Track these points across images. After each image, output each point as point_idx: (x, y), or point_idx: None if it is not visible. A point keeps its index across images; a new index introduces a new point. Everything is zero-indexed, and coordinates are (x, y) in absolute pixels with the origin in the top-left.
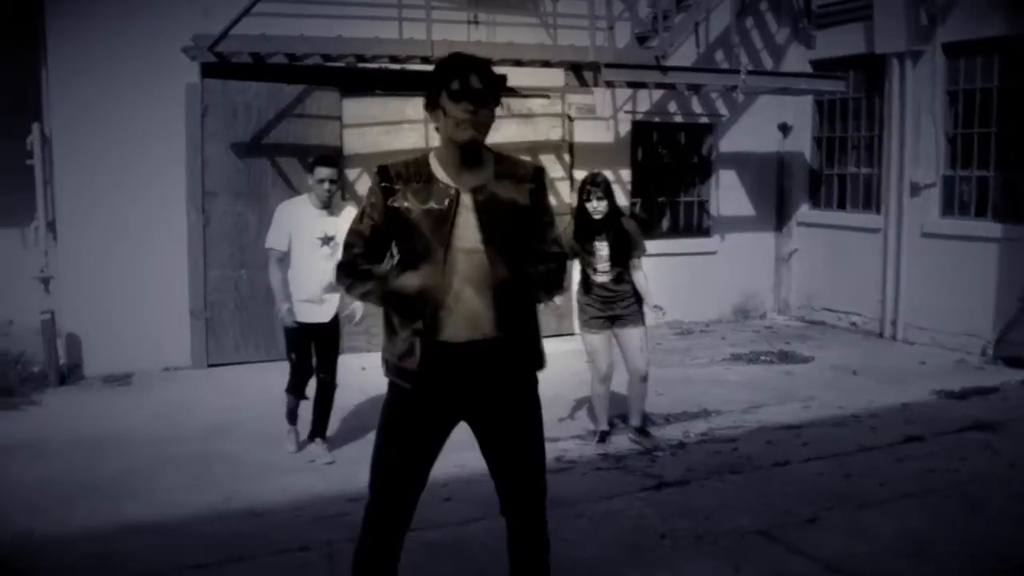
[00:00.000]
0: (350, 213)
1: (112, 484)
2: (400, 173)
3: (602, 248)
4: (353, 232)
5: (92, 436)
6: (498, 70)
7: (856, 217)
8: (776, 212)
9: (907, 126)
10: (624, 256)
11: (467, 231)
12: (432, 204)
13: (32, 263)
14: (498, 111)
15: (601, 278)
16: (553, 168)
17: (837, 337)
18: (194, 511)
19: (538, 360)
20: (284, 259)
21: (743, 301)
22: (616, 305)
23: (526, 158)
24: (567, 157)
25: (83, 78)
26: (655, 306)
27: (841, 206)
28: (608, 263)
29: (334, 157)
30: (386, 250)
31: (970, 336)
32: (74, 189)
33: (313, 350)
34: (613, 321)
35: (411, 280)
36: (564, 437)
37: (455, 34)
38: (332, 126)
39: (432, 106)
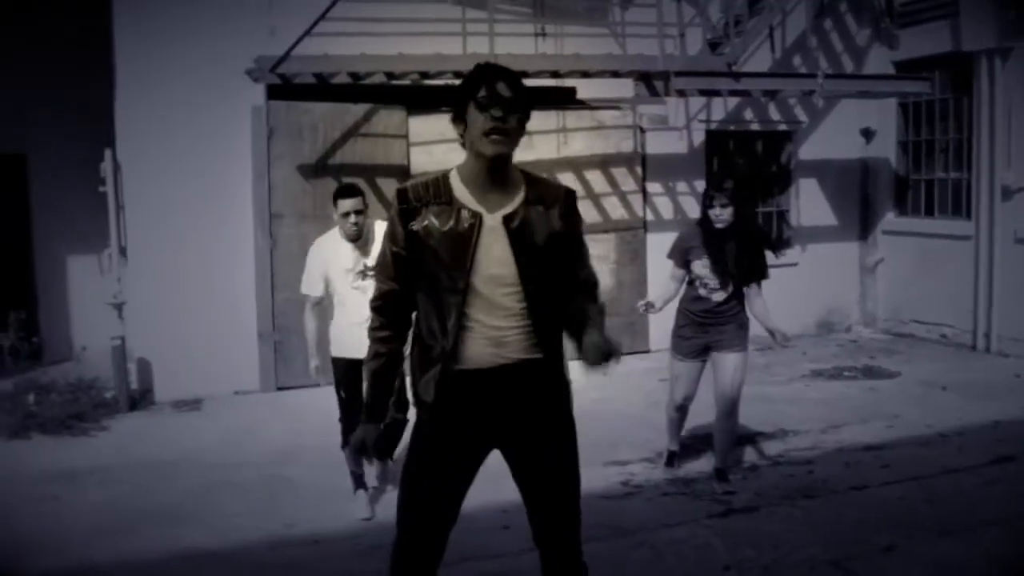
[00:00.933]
0: (382, 227)
1: (174, 509)
2: (419, 194)
3: (727, 263)
4: (379, 267)
5: (157, 461)
6: (566, 83)
7: (945, 224)
8: (860, 221)
9: (997, 127)
10: (746, 275)
11: (493, 256)
12: (452, 225)
13: (106, 289)
14: (569, 122)
15: (714, 296)
16: (625, 181)
17: (926, 350)
18: (254, 538)
19: (567, 389)
20: (320, 304)
21: (826, 314)
22: (715, 329)
23: (556, 180)
24: (639, 170)
25: (151, 102)
26: (778, 332)
27: (929, 213)
28: (725, 279)
29: (355, 186)
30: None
31: None
32: (144, 214)
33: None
34: (707, 349)
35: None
36: (633, 460)
37: (521, 47)
38: (399, 144)
39: (459, 119)
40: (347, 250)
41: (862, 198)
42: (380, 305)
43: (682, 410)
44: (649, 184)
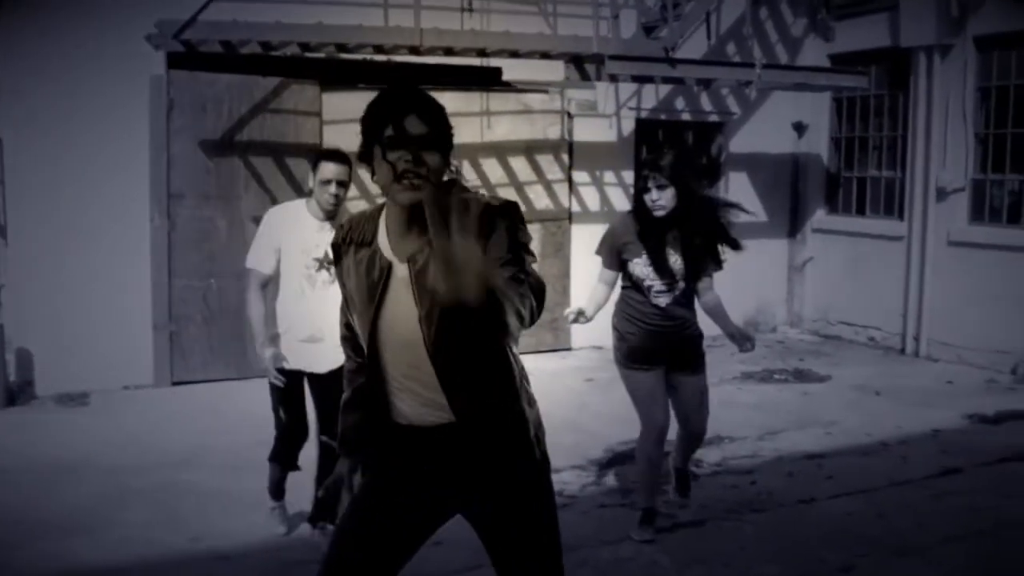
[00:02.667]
0: None
1: (64, 520)
2: (350, 235)
3: (671, 258)
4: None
5: (44, 464)
6: (494, 62)
7: (877, 224)
8: (790, 218)
9: (934, 126)
10: (697, 269)
11: (399, 313)
12: (364, 274)
13: None
14: (493, 105)
15: (659, 299)
16: (551, 169)
17: (855, 353)
18: (155, 553)
19: (527, 448)
20: (269, 284)
21: (753, 314)
22: (672, 338)
23: (484, 195)
24: (566, 157)
25: (37, 69)
26: (742, 336)
27: (860, 212)
28: (671, 280)
29: (344, 153)
30: None
31: (1000, 353)
32: (26, 191)
33: (311, 404)
34: (664, 362)
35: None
36: (564, 467)
37: (447, 22)
38: (311, 122)
39: (365, 159)
40: (312, 227)
41: (792, 194)
42: (345, 336)
43: (662, 440)
44: (575, 173)
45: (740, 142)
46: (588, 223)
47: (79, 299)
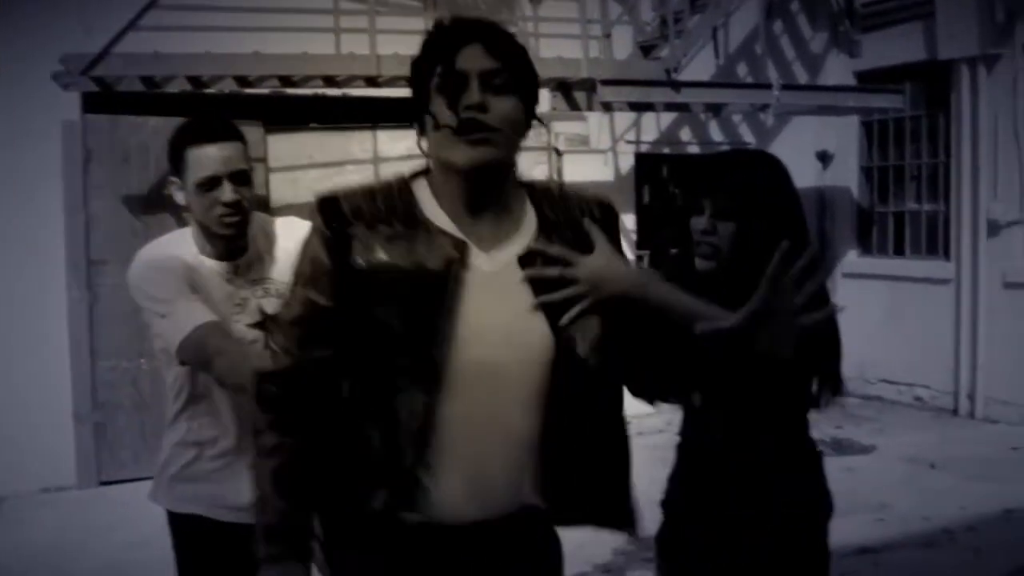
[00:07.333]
0: (297, 232)
1: None
2: (361, 208)
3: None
4: (283, 327)
5: None
6: None
7: (919, 265)
8: None
9: (982, 149)
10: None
11: (486, 321)
12: (418, 261)
13: None
14: None
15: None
16: None
17: (900, 416)
18: None
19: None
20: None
21: None
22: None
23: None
24: None
25: None
26: None
27: (899, 252)
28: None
29: (225, 121)
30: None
31: None
32: None
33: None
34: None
35: None
36: None
37: (408, 47)
38: (255, 169)
39: (415, 113)
40: (211, 270)
41: (819, 234)
42: (275, 395)
43: None
44: None
45: None
46: None
47: None
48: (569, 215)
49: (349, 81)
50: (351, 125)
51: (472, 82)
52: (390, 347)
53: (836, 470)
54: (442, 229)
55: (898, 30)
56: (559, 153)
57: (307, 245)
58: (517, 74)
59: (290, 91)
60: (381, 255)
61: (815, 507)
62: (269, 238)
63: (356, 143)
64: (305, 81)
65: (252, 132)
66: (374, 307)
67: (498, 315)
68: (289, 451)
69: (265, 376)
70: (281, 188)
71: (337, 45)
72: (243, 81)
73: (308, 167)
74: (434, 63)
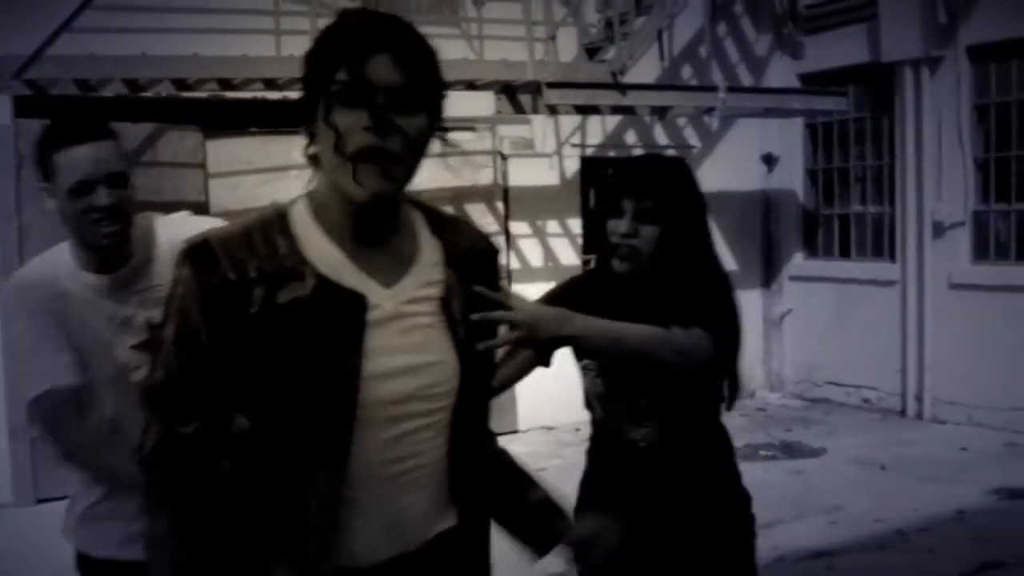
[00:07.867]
0: (183, 227)
1: None
2: (239, 254)
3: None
4: (151, 394)
5: None
6: None
7: (865, 267)
8: (762, 265)
9: (926, 151)
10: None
11: (392, 362)
12: (308, 320)
13: None
14: None
15: (634, 432)
16: (484, 220)
17: (848, 419)
18: None
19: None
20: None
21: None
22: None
23: (468, 220)
24: (500, 205)
25: None
26: None
27: (845, 254)
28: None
29: (101, 121)
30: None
31: (1018, 411)
32: None
33: None
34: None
35: None
36: None
37: None
38: (193, 176)
39: (306, 123)
40: (90, 288)
41: (764, 237)
42: (159, 453)
43: None
44: (513, 224)
45: (701, 179)
46: (531, 281)
47: None
48: (471, 247)
49: (291, 84)
50: (292, 129)
51: (379, 98)
52: (281, 416)
53: (786, 473)
54: (335, 282)
55: (841, 32)
56: (504, 157)
57: (174, 299)
58: (428, 88)
59: (230, 95)
60: (265, 311)
61: (734, 489)
62: (152, 240)
63: (297, 148)
64: (245, 84)
65: (190, 137)
66: (259, 369)
67: (404, 353)
68: (179, 541)
69: (140, 459)
70: (220, 194)
71: (278, 47)
72: (181, 84)
73: (248, 172)
74: (335, 65)
